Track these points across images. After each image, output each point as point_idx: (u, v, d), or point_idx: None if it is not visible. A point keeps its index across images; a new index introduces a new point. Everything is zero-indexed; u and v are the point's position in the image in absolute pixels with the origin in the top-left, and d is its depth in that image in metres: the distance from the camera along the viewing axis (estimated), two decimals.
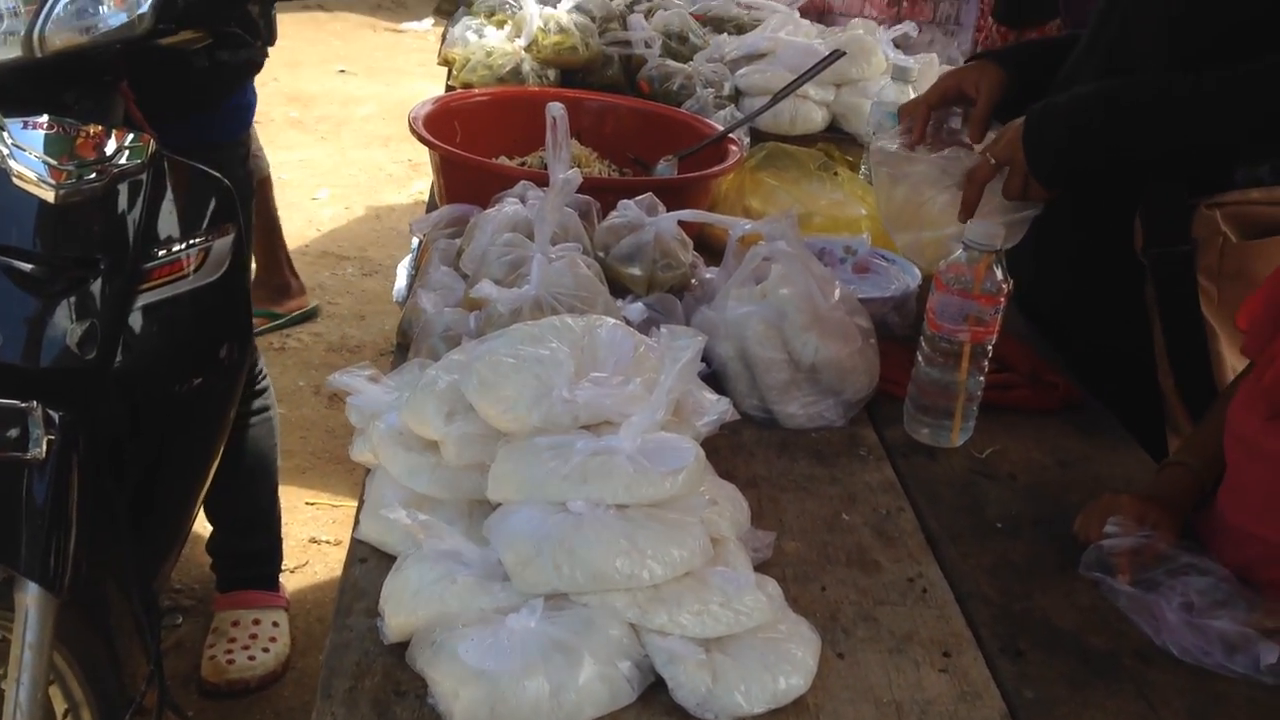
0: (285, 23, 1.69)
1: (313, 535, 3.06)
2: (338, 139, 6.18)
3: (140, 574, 1.84)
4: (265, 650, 2.56)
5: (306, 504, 3.19)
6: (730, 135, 2.10)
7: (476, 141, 2.06)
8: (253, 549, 2.63)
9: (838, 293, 1.57)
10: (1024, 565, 1.34)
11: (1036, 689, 1.15)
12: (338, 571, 2.94)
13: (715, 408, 1.31)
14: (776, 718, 1.08)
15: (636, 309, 1.52)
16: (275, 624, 2.63)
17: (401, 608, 1.09)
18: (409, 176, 5.74)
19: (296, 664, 2.61)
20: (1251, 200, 1.61)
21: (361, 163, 5.87)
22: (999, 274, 1.47)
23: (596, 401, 1.18)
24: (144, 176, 1.65)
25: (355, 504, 3.15)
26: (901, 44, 2.70)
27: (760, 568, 1.23)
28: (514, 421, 1.18)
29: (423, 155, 6.48)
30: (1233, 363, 1.63)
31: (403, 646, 1.10)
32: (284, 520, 2.89)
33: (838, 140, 2.54)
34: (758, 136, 2.37)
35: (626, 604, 1.08)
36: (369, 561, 1.24)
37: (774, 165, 2.15)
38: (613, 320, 1.28)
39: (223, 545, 2.62)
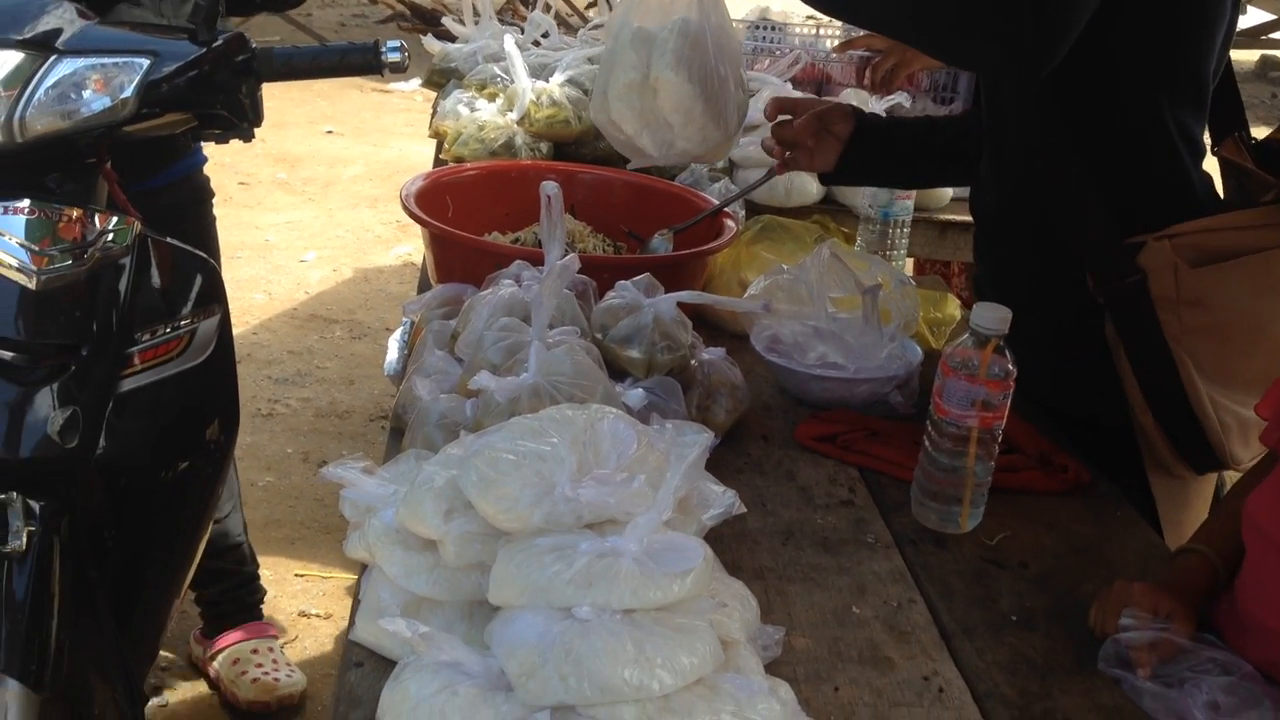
0: (270, 84, 1.67)
1: (302, 609, 2.99)
2: (325, 200, 6.17)
3: (124, 663, 1.79)
4: (291, 674, 2.62)
5: (296, 575, 3.13)
6: (725, 209, 2.08)
7: (469, 216, 2.04)
8: (236, 582, 2.64)
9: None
10: (1041, 661, 1.29)
11: None
12: (328, 647, 2.89)
13: (721, 500, 1.27)
14: None
15: (637, 395, 1.49)
16: (281, 650, 2.69)
17: None
18: (396, 238, 5.72)
19: None
20: (1202, 228, 1.61)
21: (349, 224, 5.85)
22: (1006, 359, 1.44)
23: (600, 500, 1.14)
24: (127, 260, 1.62)
25: (346, 576, 3.13)
26: (895, 114, 2.69)
27: (770, 667, 1.19)
28: (515, 520, 1.13)
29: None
30: (1207, 391, 1.62)
31: None
32: (272, 594, 2.85)
33: (833, 212, 2.52)
34: (752, 209, 2.35)
35: (635, 716, 1.03)
36: (365, 666, 1.19)
37: (770, 238, 2.13)
38: (614, 412, 1.24)
39: (208, 592, 2.60)
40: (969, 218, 2.33)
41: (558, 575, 1.08)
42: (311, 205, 6.06)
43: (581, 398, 1.39)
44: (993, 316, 1.43)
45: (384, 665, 1.19)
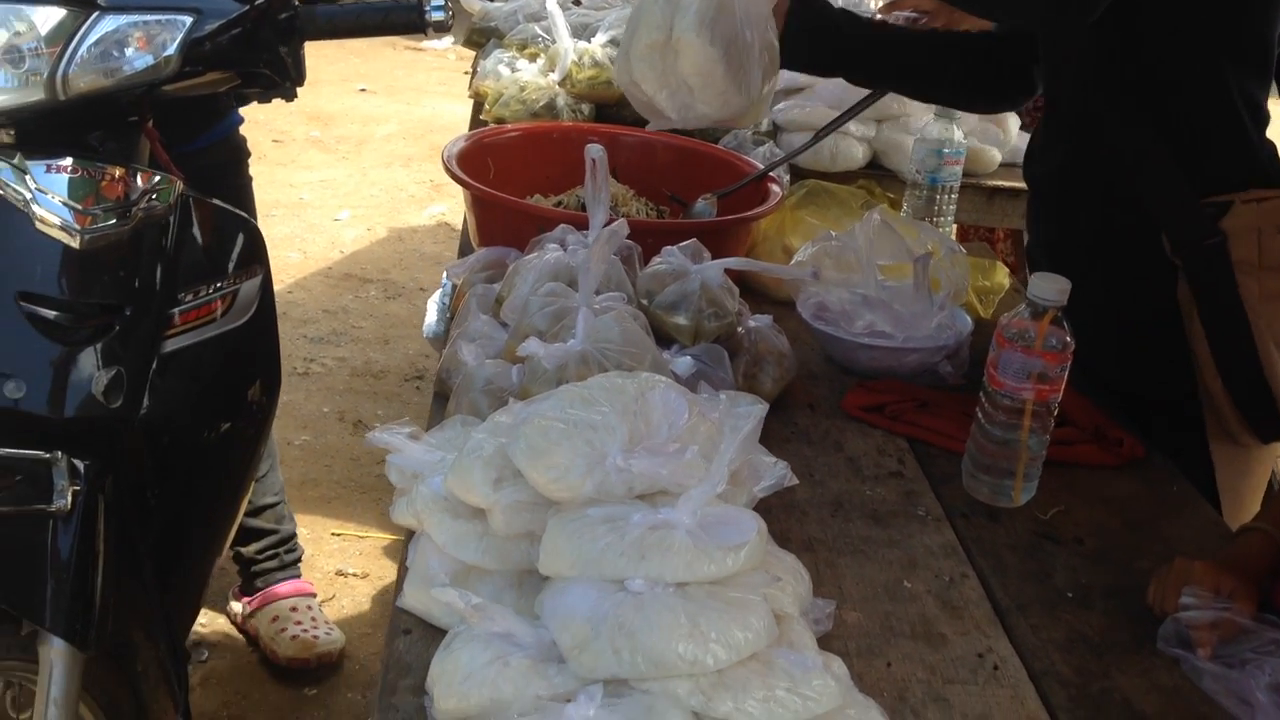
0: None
1: (339, 568, 3.00)
2: (359, 159, 6.15)
3: (168, 622, 1.79)
4: (330, 632, 2.63)
5: (333, 534, 3.14)
6: (770, 174, 2.04)
7: (510, 178, 2.01)
8: (275, 541, 2.65)
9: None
10: (1098, 640, 1.27)
11: None
12: (365, 606, 2.90)
13: (773, 472, 1.25)
14: None
15: (685, 362, 1.46)
16: (320, 609, 2.70)
17: (452, 691, 1.03)
18: (430, 197, 5.70)
19: (326, 700, 2.56)
20: None
21: (383, 183, 5.84)
22: (1064, 330, 1.41)
23: (652, 471, 1.12)
24: (170, 219, 1.60)
25: (383, 535, 3.14)
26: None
27: (821, 641, 1.16)
28: (565, 490, 1.12)
29: (444, 175, 6.45)
30: None
31: None
32: (309, 552, 2.86)
33: (879, 177, 2.47)
34: (796, 174, 2.31)
35: (689, 690, 1.02)
36: (413, 634, 1.19)
37: (814, 204, 2.09)
38: (665, 381, 1.22)
39: (247, 551, 2.63)
40: (1018, 184, 2.30)
41: (610, 547, 1.06)
42: (345, 164, 6.05)
43: (630, 365, 1.37)
44: (1051, 288, 1.39)
45: (432, 633, 1.18)
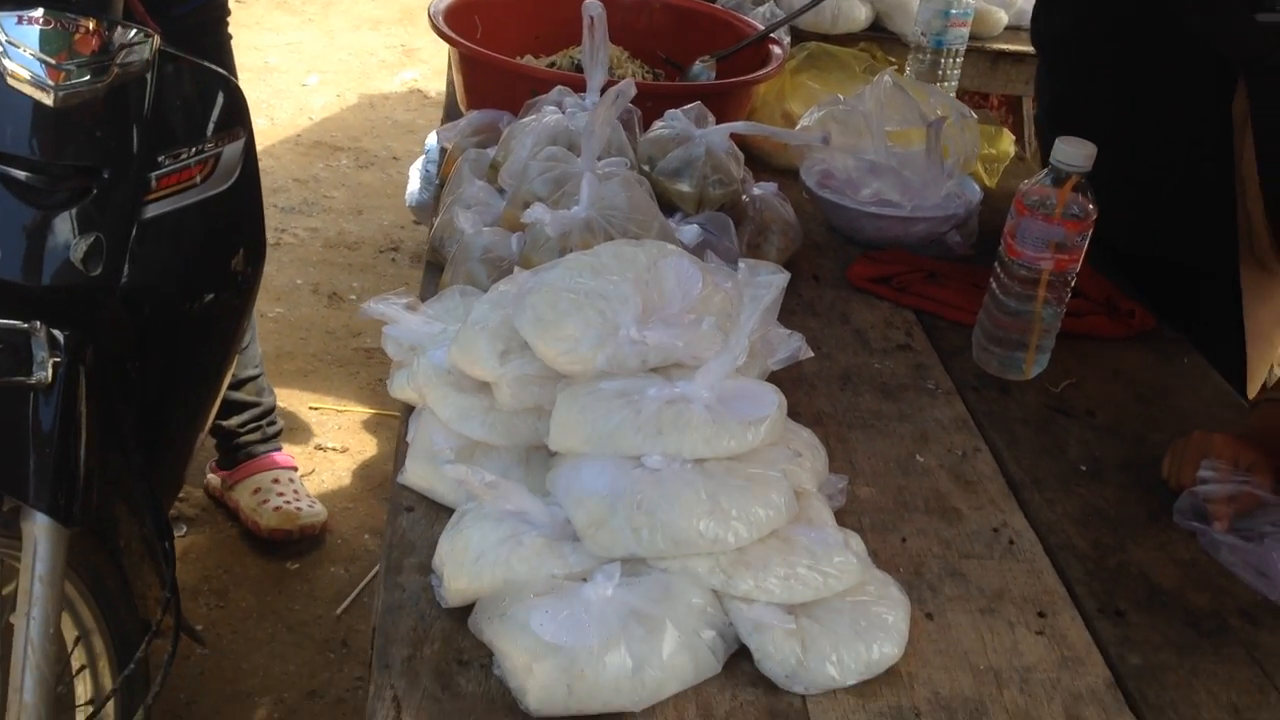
0: None
1: (318, 442, 2.96)
2: (325, 21, 5.93)
3: (152, 496, 1.75)
4: (312, 504, 2.58)
5: (310, 409, 3.09)
6: (771, 35, 1.95)
7: (498, 38, 1.92)
8: (255, 414, 2.60)
9: None
10: (1113, 513, 1.25)
11: (1141, 654, 1.07)
12: (345, 480, 2.87)
13: (787, 344, 1.21)
14: (869, 688, 1.00)
15: (691, 231, 1.41)
16: (301, 482, 2.65)
17: (462, 571, 0.99)
18: (402, 62, 5.52)
19: (309, 574, 2.54)
20: None
21: (352, 47, 5.64)
22: (1087, 198, 1.36)
23: (668, 343, 1.07)
24: (148, 76, 1.51)
25: (361, 409, 3.09)
26: None
27: (835, 517, 1.14)
28: (576, 363, 1.07)
29: (416, 40, 6.24)
30: None
31: (462, 609, 1.01)
32: (287, 427, 2.82)
33: (881, 40, 2.38)
34: (797, 36, 2.22)
35: (709, 569, 0.99)
36: (416, 510, 1.15)
37: (816, 67, 2.02)
38: (677, 249, 1.16)
39: (227, 424, 2.57)
40: (1023, 47, 2.23)
41: (625, 422, 1.03)
42: (312, 26, 5.83)
43: (636, 233, 1.31)
44: (1076, 152, 1.34)
45: (435, 510, 1.14)
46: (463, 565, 1.00)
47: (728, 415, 1.04)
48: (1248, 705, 1.03)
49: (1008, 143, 1.98)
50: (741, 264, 1.10)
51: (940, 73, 2.11)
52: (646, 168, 1.53)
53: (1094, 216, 1.36)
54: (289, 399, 3.08)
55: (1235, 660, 1.07)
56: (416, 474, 1.16)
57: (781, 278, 1.09)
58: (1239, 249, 1.65)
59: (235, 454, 2.60)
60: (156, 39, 1.50)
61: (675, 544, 0.97)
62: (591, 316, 1.07)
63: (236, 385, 2.49)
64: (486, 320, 1.12)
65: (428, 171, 1.97)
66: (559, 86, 1.61)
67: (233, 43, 2.20)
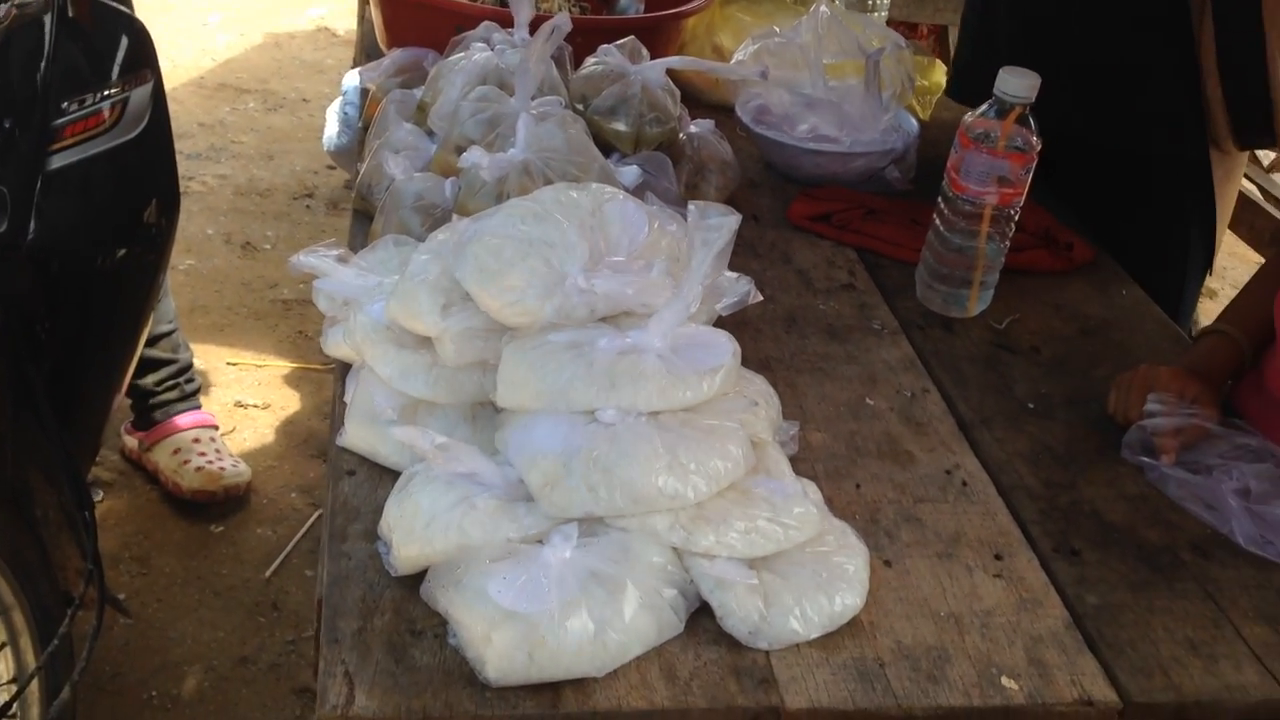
0: None
1: (238, 399, 2.87)
2: None
3: (69, 463, 1.68)
4: (236, 464, 2.50)
5: (228, 364, 2.99)
6: None
7: None
8: (172, 371, 2.50)
9: None
10: (1063, 450, 1.25)
11: (1098, 593, 1.07)
12: (269, 438, 2.79)
13: (735, 288, 1.18)
14: (832, 641, 0.98)
15: (631, 172, 1.36)
16: (223, 441, 2.56)
17: (413, 538, 0.95)
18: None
19: (234, 536, 2.47)
20: None
21: None
22: (1030, 130, 1.34)
23: (617, 291, 1.03)
24: (47, 18, 1.42)
25: (281, 364, 3.00)
26: None
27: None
28: (522, 315, 1.03)
29: None
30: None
31: (412, 577, 0.97)
32: (205, 384, 2.73)
33: None
34: None
35: (669, 526, 0.96)
36: (358, 474, 1.10)
37: None
38: (622, 193, 1.12)
39: (143, 383, 2.47)
40: None
41: (577, 376, 0.99)
42: None
43: (576, 175, 1.27)
44: (1019, 83, 1.31)
45: (378, 473, 1.10)
46: (413, 531, 0.95)
47: (682, 365, 1.00)
48: (1204, 640, 1.03)
49: (940, 73, 1.96)
50: (691, 206, 1.06)
51: (870, 2, 2.07)
52: (580, 107, 1.47)
53: (1038, 149, 1.34)
54: (205, 355, 2.98)
55: (1189, 595, 1.08)
56: (357, 436, 1.11)
57: (733, 220, 1.05)
58: (1206, 130, 1.67)
59: (152, 414, 2.50)
60: None
61: (634, 501, 0.94)
62: (537, 265, 1.03)
63: (151, 342, 2.39)
64: (426, 272, 1.07)
65: (346, 114, 1.90)
66: (485, 23, 1.54)
67: None
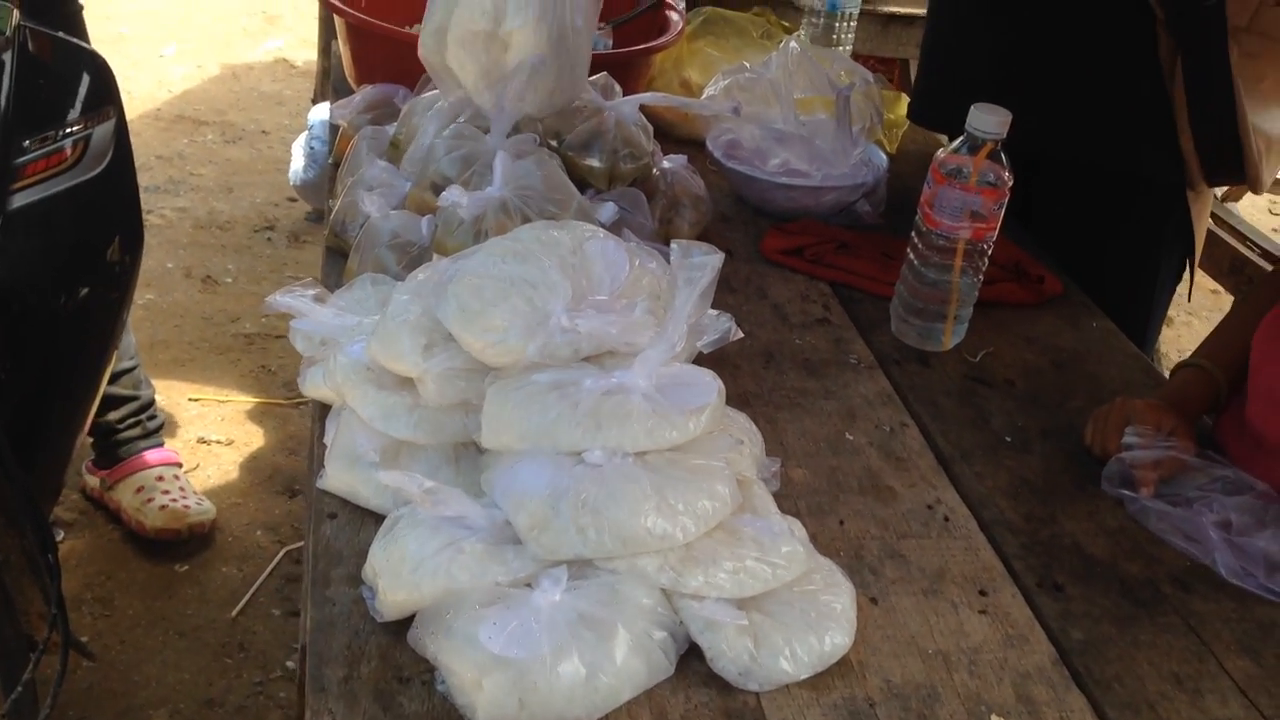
0: None
1: (201, 435, 2.83)
2: None
3: (31, 506, 1.64)
4: (200, 502, 2.46)
5: (190, 400, 2.95)
6: (668, 0, 1.91)
7: (386, 5, 1.83)
8: (134, 408, 2.46)
9: None
10: (1041, 484, 1.25)
11: (1082, 628, 1.07)
12: (232, 474, 2.75)
13: (716, 325, 1.18)
14: (821, 681, 0.97)
15: (609, 209, 1.36)
16: (186, 478, 2.53)
17: (400, 583, 0.94)
18: (265, 31, 5.31)
19: (199, 575, 2.43)
20: None
21: (212, 13, 5.40)
22: (1002, 165, 1.35)
23: (601, 331, 1.03)
24: (7, 55, 1.40)
25: (245, 399, 2.96)
26: None
27: None
28: (505, 355, 1.02)
29: (278, 6, 6.01)
30: (1253, 120, 1.62)
31: (398, 622, 0.96)
32: (167, 420, 2.68)
33: (774, 3, 2.35)
34: (691, 1, 2.18)
35: (658, 567, 0.95)
36: (339, 518, 1.08)
37: (712, 33, 1.98)
38: (601, 231, 1.12)
39: (105, 420, 2.43)
40: (914, 9, 2.23)
41: (563, 416, 0.98)
42: None
43: (554, 213, 1.26)
44: (991, 119, 1.33)
45: (360, 515, 1.08)
46: (400, 576, 0.94)
47: (668, 405, 1.00)
48: (1189, 674, 1.03)
49: (904, 107, 1.97)
50: (674, 245, 1.05)
51: (835, 37, 2.09)
52: (554, 143, 1.47)
53: (1010, 184, 1.36)
54: (167, 390, 2.93)
55: (1173, 629, 1.08)
56: (338, 478, 1.09)
57: (716, 259, 1.05)
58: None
59: (114, 451, 2.46)
60: (16, 12, 1.39)
61: (623, 543, 0.93)
62: (519, 305, 1.02)
63: (112, 379, 2.35)
64: (407, 312, 1.06)
65: (312, 148, 1.89)
66: None
67: (84, 13, 2.05)
